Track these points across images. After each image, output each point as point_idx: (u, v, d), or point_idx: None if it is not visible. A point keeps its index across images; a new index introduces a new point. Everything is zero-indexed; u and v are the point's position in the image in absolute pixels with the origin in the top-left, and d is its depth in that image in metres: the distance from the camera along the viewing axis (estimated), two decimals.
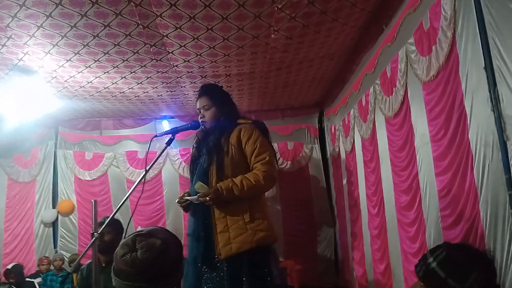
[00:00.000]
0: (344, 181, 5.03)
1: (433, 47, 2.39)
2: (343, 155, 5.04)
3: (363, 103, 3.98)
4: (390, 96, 3.21)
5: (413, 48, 2.69)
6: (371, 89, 3.67)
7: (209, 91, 2.28)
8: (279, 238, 5.62)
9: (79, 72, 3.94)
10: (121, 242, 1.32)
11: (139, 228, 5.57)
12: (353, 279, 4.85)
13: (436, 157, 2.47)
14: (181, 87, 4.57)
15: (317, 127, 6.09)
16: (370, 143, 3.86)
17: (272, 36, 3.35)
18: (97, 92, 4.58)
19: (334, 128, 5.44)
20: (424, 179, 2.67)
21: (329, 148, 5.94)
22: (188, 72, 4.09)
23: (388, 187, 3.43)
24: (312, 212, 5.91)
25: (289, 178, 5.92)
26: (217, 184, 2.02)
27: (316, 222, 5.89)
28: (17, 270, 5.02)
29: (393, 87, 3.13)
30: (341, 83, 4.74)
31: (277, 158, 2.39)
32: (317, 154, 6.03)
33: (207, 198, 2.01)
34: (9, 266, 5.09)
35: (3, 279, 5.15)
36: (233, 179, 2.01)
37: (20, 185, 5.96)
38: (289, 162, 5.95)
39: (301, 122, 6.07)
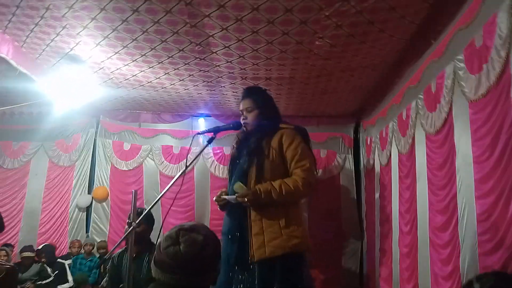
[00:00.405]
0: (377, 195, 4.93)
1: (484, 66, 2.31)
2: (377, 168, 4.94)
3: (404, 116, 3.89)
4: (433, 112, 3.12)
5: (462, 65, 2.61)
6: (413, 103, 3.58)
7: (254, 94, 2.29)
8: None
9: (125, 65, 4.07)
10: (165, 234, 1.35)
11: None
12: None
13: (478, 179, 2.38)
14: (221, 86, 4.63)
15: (352, 137, 6.01)
16: (408, 158, 3.77)
17: (316, 43, 3.33)
18: (140, 85, 4.71)
19: (370, 139, 5.34)
20: (463, 201, 2.58)
21: (363, 160, 5.84)
22: (229, 72, 4.14)
23: (423, 205, 3.33)
24: (340, 223, 5.83)
25: (319, 186, 5.83)
26: (256, 186, 2.02)
27: (344, 233, 5.80)
28: (48, 250, 5.24)
29: (437, 103, 3.04)
30: (381, 94, 4.65)
31: (316, 166, 2.37)
32: (350, 164, 5.94)
33: (245, 199, 2.02)
34: (40, 246, 5.32)
35: (36, 257, 5.39)
36: (272, 182, 2.01)
37: (60, 169, 6.21)
38: (320, 170, 5.89)
39: (336, 131, 6.00)
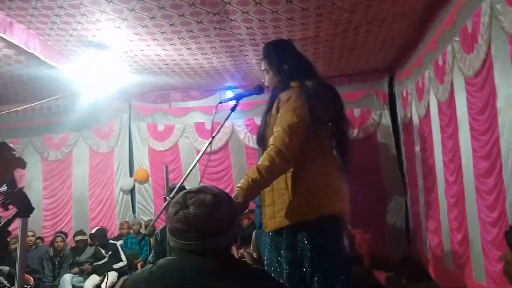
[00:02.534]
0: (417, 148, 4.77)
1: None
2: (415, 120, 4.76)
3: (440, 62, 3.68)
4: (471, 54, 2.93)
5: None
6: (449, 47, 3.37)
7: (267, 53, 2.14)
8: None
9: (147, 46, 4.07)
10: (172, 201, 1.30)
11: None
12: (425, 249, 4.66)
13: None
14: (244, 55, 4.55)
15: (387, 92, 5.79)
16: (448, 106, 3.59)
17: None
18: (165, 64, 4.71)
19: (406, 92, 5.13)
20: (507, 145, 2.44)
21: (400, 114, 5.64)
22: (251, 39, 4.04)
23: (467, 153, 3.19)
24: (381, 181, 5.73)
25: (356, 146, 5.72)
26: (236, 189, 1.85)
27: (386, 191, 5.70)
28: (100, 233, 5.51)
29: (475, 43, 2.85)
30: (414, 43, 4.41)
31: (332, 125, 2.01)
32: (386, 120, 5.76)
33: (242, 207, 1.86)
34: (93, 231, 5.59)
35: (90, 241, 5.68)
36: (248, 173, 1.80)
37: (100, 155, 6.44)
38: (355, 130, 5.75)
39: (369, 88, 5.80)
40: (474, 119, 3.00)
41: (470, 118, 3.08)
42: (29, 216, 1.72)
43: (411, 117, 4.95)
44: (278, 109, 1.91)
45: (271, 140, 1.85)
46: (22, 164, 1.73)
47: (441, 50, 3.61)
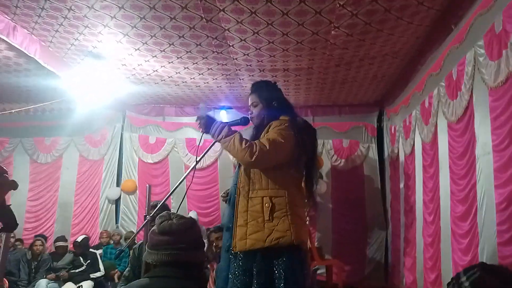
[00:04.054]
0: (401, 185, 4.86)
1: (504, 52, 2.24)
2: (402, 157, 4.87)
3: (426, 104, 3.81)
4: (454, 100, 3.06)
5: (482, 51, 2.54)
6: (435, 91, 3.51)
7: (258, 89, 2.28)
8: (327, 236, 5.59)
9: (146, 61, 4.17)
10: (157, 218, 1.48)
11: (190, 213, 5.80)
12: (402, 285, 4.70)
13: (497, 168, 2.33)
14: (240, 79, 4.67)
15: (376, 126, 5.92)
16: (431, 147, 3.71)
17: (332, 32, 3.31)
18: (162, 80, 4.81)
19: (394, 128, 5.26)
20: (482, 190, 2.53)
21: (387, 149, 5.75)
22: (247, 65, 4.17)
23: (445, 195, 3.28)
24: (364, 213, 5.79)
25: (343, 176, 5.83)
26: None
27: (368, 223, 5.76)
28: (85, 243, 5.49)
29: (458, 90, 2.98)
30: (403, 82, 4.56)
31: (314, 160, 2.23)
32: (373, 154, 5.87)
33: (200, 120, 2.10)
34: (79, 239, 5.55)
35: (71, 247, 5.64)
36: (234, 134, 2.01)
37: (89, 162, 6.45)
38: (343, 160, 5.86)
39: (359, 120, 5.93)
40: (454, 162, 3.10)
41: (451, 161, 3.19)
42: (12, 231, 1.83)
43: (398, 153, 5.05)
44: (267, 132, 2.05)
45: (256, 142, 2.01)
46: (14, 186, 1.85)
47: (428, 92, 3.75)
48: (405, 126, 4.65)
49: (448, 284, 1.44)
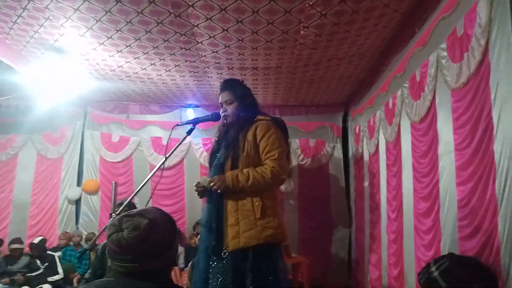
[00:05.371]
0: (366, 183, 4.98)
1: (465, 54, 2.33)
2: (366, 156, 4.99)
3: (390, 105, 3.92)
4: (417, 101, 3.16)
5: (445, 53, 2.64)
6: (399, 92, 3.61)
7: (232, 86, 2.31)
8: (293, 234, 5.66)
9: (110, 56, 4.04)
10: (108, 223, 1.33)
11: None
12: (366, 281, 4.82)
13: (458, 167, 2.42)
14: (208, 77, 4.62)
15: (341, 126, 6.04)
16: (394, 146, 3.81)
17: (302, 32, 3.34)
18: (127, 76, 4.68)
19: (359, 128, 5.38)
20: (445, 188, 2.63)
21: (351, 148, 5.88)
22: (216, 63, 4.13)
23: (408, 192, 3.39)
24: (329, 211, 5.90)
25: (308, 175, 5.91)
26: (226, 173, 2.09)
27: (332, 221, 5.87)
28: (42, 245, 5.25)
29: (421, 91, 3.08)
30: (368, 83, 4.68)
31: (290, 155, 2.43)
32: (338, 153, 5.99)
33: (211, 184, 2.08)
34: (36, 241, 5.31)
35: (27, 249, 5.38)
36: (242, 170, 2.05)
37: (48, 161, 6.17)
38: (309, 159, 5.94)
39: (324, 120, 6.03)
40: (417, 161, 3.21)
41: (414, 160, 3.29)
42: None
43: (362, 152, 5.18)
44: (255, 135, 2.11)
45: (268, 161, 2.15)
46: None
47: (392, 93, 3.86)
48: (370, 126, 4.77)
49: (419, 273, 1.49)
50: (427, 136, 3.00)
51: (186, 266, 5.06)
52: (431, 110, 2.93)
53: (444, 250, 2.54)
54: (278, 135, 2.17)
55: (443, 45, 2.66)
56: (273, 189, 2.21)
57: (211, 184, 2.10)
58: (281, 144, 2.17)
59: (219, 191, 2.08)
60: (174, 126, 2.13)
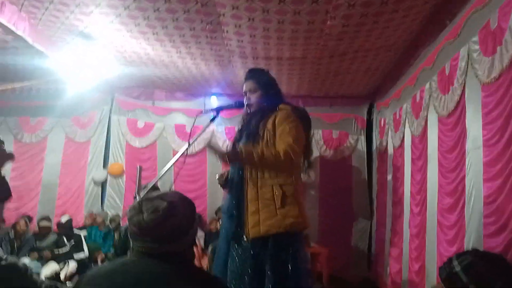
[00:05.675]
0: (389, 177, 4.93)
1: (498, 48, 2.27)
2: (390, 149, 4.92)
3: (417, 98, 3.85)
4: (446, 95, 3.09)
5: (477, 47, 2.56)
6: (427, 85, 3.54)
7: (256, 75, 2.31)
8: (313, 224, 5.67)
9: (138, 43, 4.09)
10: (130, 205, 1.37)
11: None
12: (386, 274, 4.80)
13: (486, 163, 2.37)
14: (232, 66, 4.63)
15: (365, 119, 5.97)
16: (420, 140, 3.75)
17: (328, 22, 3.29)
18: (153, 63, 4.74)
19: (384, 121, 5.30)
20: (471, 184, 2.58)
21: (375, 141, 5.81)
22: (241, 52, 4.13)
23: (433, 187, 3.34)
24: (350, 203, 5.87)
25: (331, 166, 5.88)
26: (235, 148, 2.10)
27: (353, 213, 5.85)
28: (68, 224, 5.45)
29: (451, 85, 3.00)
30: (396, 76, 4.59)
31: (311, 145, 2.42)
32: (362, 146, 5.93)
33: (226, 155, 2.10)
34: (63, 220, 5.51)
35: (54, 228, 5.59)
36: (256, 147, 2.06)
37: (76, 144, 6.36)
38: (332, 151, 5.91)
39: (349, 112, 5.97)
40: (444, 156, 3.15)
41: (440, 155, 3.24)
42: (5, 201, 1.83)
43: (386, 146, 5.11)
44: (274, 124, 2.11)
45: (281, 144, 2.12)
46: (11, 157, 1.87)
47: (419, 86, 3.78)
48: (395, 119, 4.69)
49: (440, 268, 1.48)
50: (455, 130, 2.94)
51: (206, 248, 5.17)
52: (460, 104, 2.87)
53: (468, 246, 2.50)
54: (296, 123, 2.14)
55: (475, 38, 2.58)
56: (294, 177, 2.19)
57: (225, 155, 2.12)
58: (298, 132, 2.13)
59: (228, 159, 2.10)
60: (198, 113, 2.15)
